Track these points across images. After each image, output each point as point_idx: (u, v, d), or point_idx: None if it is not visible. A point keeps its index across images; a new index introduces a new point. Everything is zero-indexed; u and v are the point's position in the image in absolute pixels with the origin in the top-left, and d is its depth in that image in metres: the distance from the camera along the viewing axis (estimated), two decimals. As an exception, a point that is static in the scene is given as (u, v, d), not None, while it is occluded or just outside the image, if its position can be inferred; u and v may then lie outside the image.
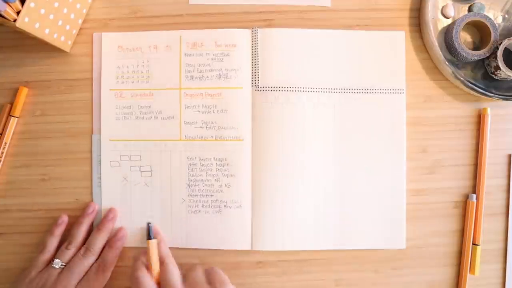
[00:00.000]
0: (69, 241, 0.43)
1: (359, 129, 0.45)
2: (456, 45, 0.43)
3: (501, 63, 0.42)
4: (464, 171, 0.46)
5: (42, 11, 0.39)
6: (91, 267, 0.42)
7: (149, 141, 0.45)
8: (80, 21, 0.46)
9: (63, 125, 0.46)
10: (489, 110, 0.46)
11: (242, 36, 0.45)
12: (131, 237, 0.45)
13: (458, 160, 0.46)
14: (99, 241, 0.43)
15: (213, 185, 0.45)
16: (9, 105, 0.46)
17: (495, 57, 0.43)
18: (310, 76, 0.45)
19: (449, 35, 0.44)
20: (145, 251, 0.41)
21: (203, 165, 0.45)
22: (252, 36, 0.45)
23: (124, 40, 0.46)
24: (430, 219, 0.46)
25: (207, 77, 0.45)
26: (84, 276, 0.41)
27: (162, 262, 0.40)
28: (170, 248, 0.45)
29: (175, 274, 0.38)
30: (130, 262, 0.45)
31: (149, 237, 0.43)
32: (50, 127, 0.46)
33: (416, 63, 0.46)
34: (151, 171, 0.45)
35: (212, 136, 0.45)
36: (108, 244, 0.44)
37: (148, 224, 0.44)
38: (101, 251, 0.43)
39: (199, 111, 0.45)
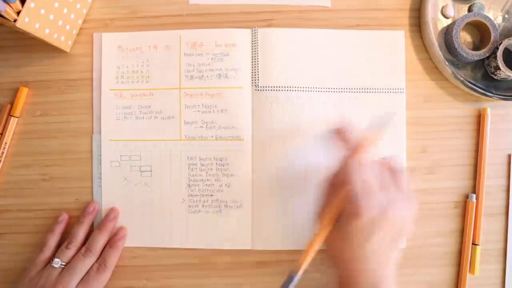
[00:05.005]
0: (69, 241, 0.43)
1: (359, 128, 0.45)
2: (456, 45, 0.43)
3: (501, 63, 0.42)
4: (464, 171, 0.46)
5: (42, 11, 0.39)
6: (91, 267, 0.42)
7: (149, 141, 0.46)
8: (80, 21, 0.46)
9: (63, 125, 0.46)
10: (489, 110, 0.46)
11: (242, 36, 0.45)
12: (131, 236, 0.45)
13: (458, 160, 0.46)
14: (100, 240, 0.43)
15: (213, 184, 0.45)
16: (9, 105, 0.46)
17: (495, 57, 0.43)
18: (310, 76, 0.45)
19: (449, 35, 0.44)
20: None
21: (203, 165, 0.45)
22: (252, 36, 0.45)
23: (124, 40, 0.46)
24: (430, 219, 0.46)
25: (207, 76, 0.45)
26: (84, 276, 0.41)
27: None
28: (169, 248, 0.45)
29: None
30: (131, 262, 0.45)
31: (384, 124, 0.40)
32: (50, 127, 0.46)
33: (416, 63, 0.46)
34: (151, 171, 0.45)
35: (212, 136, 0.45)
36: (109, 244, 0.44)
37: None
38: (102, 251, 0.43)
39: (199, 111, 0.45)
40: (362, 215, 0.34)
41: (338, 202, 0.37)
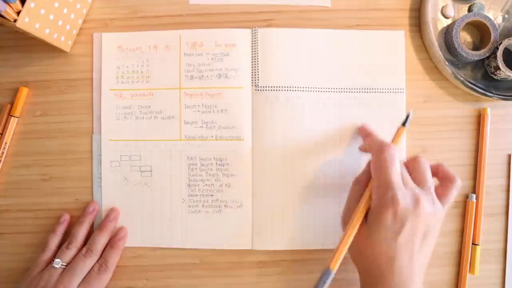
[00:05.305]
0: (70, 241, 0.43)
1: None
2: (456, 45, 0.43)
3: (501, 63, 0.42)
4: (464, 171, 0.46)
5: (42, 11, 0.39)
6: (93, 267, 0.42)
7: (149, 141, 0.46)
8: (80, 21, 0.46)
9: (63, 125, 0.46)
10: (489, 110, 0.46)
11: (242, 36, 0.45)
12: (131, 236, 0.45)
13: (458, 160, 0.46)
14: (101, 241, 0.43)
15: (213, 184, 0.45)
16: (9, 105, 0.46)
17: (495, 57, 0.43)
18: (310, 76, 0.45)
19: (449, 35, 0.44)
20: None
21: (203, 165, 0.45)
22: (252, 36, 0.45)
23: (124, 40, 0.46)
24: (430, 219, 0.46)
25: (207, 76, 0.45)
26: (86, 276, 0.41)
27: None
28: (169, 248, 0.45)
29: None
30: (131, 262, 0.45)
31: (404, 123, 0.42)
32: (50, 127, 0.46)
33: (416, 63, 0.46)
34: (151, 171, 0.45)
35: (212, 136, 0.45)
36: (109, 244, 0.44)
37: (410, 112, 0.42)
38: (103, 251, 0.43)
39: (199, 111, 0.45)
40: (397, 204, 0.35)
41: (368, 197, 0.38)
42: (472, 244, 0.45)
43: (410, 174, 0.38)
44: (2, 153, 0.45)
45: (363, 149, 0.43)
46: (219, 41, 0.45)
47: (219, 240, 0.45)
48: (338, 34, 0.46)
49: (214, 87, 0.45)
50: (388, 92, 0.45)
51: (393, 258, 0.35)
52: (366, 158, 0.45)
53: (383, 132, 0.45)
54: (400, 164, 0.38)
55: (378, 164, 0.37)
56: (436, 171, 0.40)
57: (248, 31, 0.45)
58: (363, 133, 0.43)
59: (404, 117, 0.42)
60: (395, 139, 0.41)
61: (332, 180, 0.45)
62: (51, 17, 0.40)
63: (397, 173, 0.36)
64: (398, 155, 0.37)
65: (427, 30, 0.44)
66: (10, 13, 0.36)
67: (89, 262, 0.42)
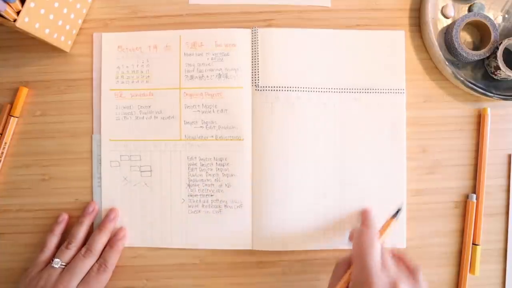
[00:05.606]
0: (69, 241, 0.43)
1: (359, 129, 0.45)
2: (456, 45, 0.43)
3: (501, 63, 0.42)
4: (464, 171, 0.46)
5: (42, 11, 0.39)
6: (92, 267, 0.42)
7: (149, 141, 0.46)
8: (80, 21, 0.46)
9: (63, 125, 0.46)
10: (489, 110, 0.46)
11: (242, 36, 0.45)
12: (131, 237, 0.45)
13: (458, 160, 0.46)
14: (100, 241, 0.43)
15: (213, 185, 0.45)
16: (9, 105, 0.46)
17: (495, 57, 0.43)
18: (310, 76, 0.45)
19: (449, 35, 0.44)
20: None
21: (203, 165, 0.45)
22: (252, 36, 0.45)
23: (124, 40, 0.46)
24: (430, 219, 0.46)
25: (207, 76, 0.45)
26: (85, 276, 0.41)
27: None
28: (169, 248, 0.45)
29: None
30: (131, 262, 0.45)
31: (395, 215, 0.43)
32: (50, 127, 0.46)
33: (416, 63, 0.46)
34: (151, 171, 0.45)
35: (212, 136, 0.45)
36: (109, 244, 0.44)
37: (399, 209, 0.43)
38: (102, 251, 0.43)
39: (199, 111, 0.45)
40: (372, 285, 0.34)
41: (347, 279, 0.37)
42: (472, 244, 0.45)
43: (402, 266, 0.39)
44: (2, 153, 0.45)
45: (350, 237, 0.43)
46: (219, 41, 0.45)
47: (219, 240, 0.45)
48: (338, 34, 0.46)
49: (214, 87, 0.45)
50: (388, 92, 0.45)
51: None
52: (366, 156, 0.45)
53: (383, 132, 0.45)
54: (384, 251, 0.38)
55: (358, 246, 0.38)
56: (399, 262, 0.40)
57: (248, 31, 0.45)
58: (362, 216, 0.44)
59: (395, 211, 0.43)
60: (383, 229, 0.42)
61: (331, 180, 0.45)
62: (51, 17, 0.40)
63: (374, 256, 0.36)
64: (378, 240, 0.37)
65: (427, 30, 0.44)
66: (10, 13, 0.36)
67: (88, 262, 0.42)
